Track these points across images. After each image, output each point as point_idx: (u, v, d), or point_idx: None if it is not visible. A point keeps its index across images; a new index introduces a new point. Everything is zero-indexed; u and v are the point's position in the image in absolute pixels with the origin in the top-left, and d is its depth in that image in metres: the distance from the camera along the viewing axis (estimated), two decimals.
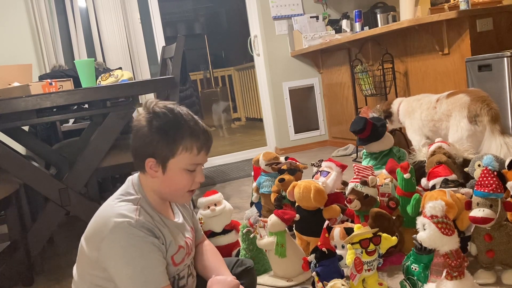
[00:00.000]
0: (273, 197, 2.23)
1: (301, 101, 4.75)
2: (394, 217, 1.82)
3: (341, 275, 1.54)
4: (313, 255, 1.57)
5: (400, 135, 3.41)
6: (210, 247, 1.43)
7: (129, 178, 1.25)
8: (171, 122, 1.15)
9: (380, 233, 1.55)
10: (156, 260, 1.12)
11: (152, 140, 1.15)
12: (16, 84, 2.34)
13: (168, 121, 1.15)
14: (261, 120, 5.07)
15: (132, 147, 1.21)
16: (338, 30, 4.51)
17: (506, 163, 1.75)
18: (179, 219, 1.29)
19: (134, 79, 3.65)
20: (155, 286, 1.10)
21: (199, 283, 1.34)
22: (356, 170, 1.94)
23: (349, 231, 1.65)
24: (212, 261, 1.37)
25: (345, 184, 1.97)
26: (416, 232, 1.43)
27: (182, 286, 1.26)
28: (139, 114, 1.19)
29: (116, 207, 1.15)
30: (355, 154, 3.85)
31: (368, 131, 2.37)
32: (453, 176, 1.88)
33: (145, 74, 4.13)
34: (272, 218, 1.76)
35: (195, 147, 1.17)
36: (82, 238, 1.19)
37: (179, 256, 1.21)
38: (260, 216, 2.23)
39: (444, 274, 1.36)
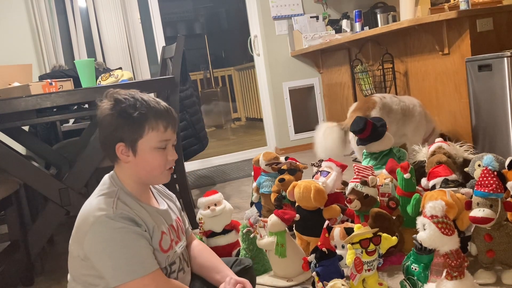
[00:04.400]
0: (273, 197, 2.23)
1: (301, 101, 4.75)
2: (394, 217, 1.82)
3: (341, 275, 1.53)
4: (313, 255, 1.57)
5: None
6: (201, 246, 1.44)
7: (106, 175, 1.26)
8: (134, 104, 1.18)
9: (380, 233, 1.55)
10: (140, 248, 1.13)
11: (118, 125, 1.17)
12: (16, 84, 2.34)
13: (130, 104, 1.17)
14: (261, 120, 5.06)
15: (100, 138, 1.23)
16: (338, 30, 4.51)
17: (506, 163, 1.75)
18: (163, 206, 1.30)
19: (134, 79, 3.65)
20: (142, 273, 1.11)
21: (199, 283, 1.34)
22: (356, 170, 1.94)
23: (349, 231, 1.65)
24: (207, 260, 1.38)
25: (345, 184, 1.97)
26: (416, 232, 1.43)
27: None
28: (101, 104, 1.20)
29: (94, 203, 1.17)
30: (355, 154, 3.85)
31: (368, 131, 2.37)
32: (453, 176, 1.88)
33: (145, 74, 4.13)
34: (272, 218, 1.76)
35: (161, 125, 1.19)
36: (70, 241, 1.20)
37: (165, 242, 1.22)
38: (260, 216, 2.23)
39: (444, 274, 1.36)
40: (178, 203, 1.43)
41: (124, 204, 1.17)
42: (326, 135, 2.78)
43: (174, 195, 1.45)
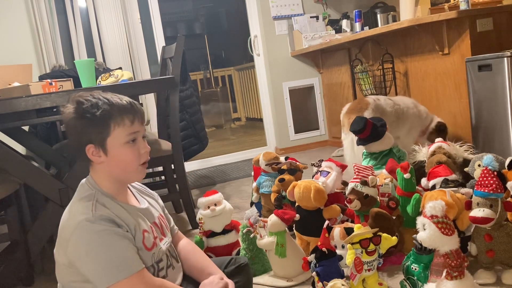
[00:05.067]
0: (273, 197, 2.23)
1: (301, 101, 4.75)
2: (394, 217, 1.82)
3: (341, 275, 1.53)
4: (313, 255, 1.57)
5: None
6: (190, 246, 1.42)
7: (81, 181, 1.25)
8: (95, 103, 1.17)
9: (380, 233, 1.55)
10: (123, 248, 1.12)
11: (83, 126, 1.17)
12: (16, 84, 2.34)
13: (92, 104, 1.17)
14: (261, 120, 5.07)
15: (69, 143, 1.24)
16: (338, 30, 4.51)
17: (506, 163, 1.75)
18: (143, 205, 1.29)
19: (134, 79, 3.65)
20: (128, 273, 1.10)
21: (191, 285, 1.34)
22: (356, 170, 1.94)
23: (349, 231, 1.65)
24: (197, 261, 1.37)
25: (345, 184, 1.97)
26: (416, 232, 1.43)
27: (162, 277, 1.24)
28: (65, 109, 1.20)
29: (73, 209, 1.17)
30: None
31: (368, 131, 2.36)
32: (453, 176, 1.88)
33: (145, 74, 4.13)
34: (272, 218, 1.76)
35: (126, 119, 1.19)
36: (54, 250, 1.19)
37: (148, 240, 1.21)
38: (260, 216, 2.23)
39: (444, 274, 1.36)
40: (160, 201, 1.42)
41: (103, 206, 1.16)
42: (354, 147, 2.72)
43: (156, 194, 1.43)
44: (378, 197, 1.91)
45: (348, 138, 2.77)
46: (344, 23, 4.43)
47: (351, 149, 2.72)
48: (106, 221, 1.12)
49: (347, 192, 1.89)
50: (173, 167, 2.85)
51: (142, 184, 1.42)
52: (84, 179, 1.24)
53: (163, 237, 1.30)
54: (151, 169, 3.28)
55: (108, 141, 1.18)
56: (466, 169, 1.94)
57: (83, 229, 1.10)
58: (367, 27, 3.98)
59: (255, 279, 1.76)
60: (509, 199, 1.62)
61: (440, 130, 2.87)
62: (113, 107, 1.18)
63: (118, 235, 1.12)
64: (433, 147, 2.18)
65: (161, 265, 1.25)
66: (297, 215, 1.79)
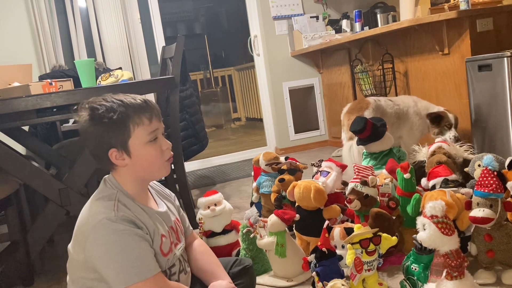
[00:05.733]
0: (273, 197, 2.23)
1: (301, 101, 4.75)
2: (394, 217, 1.82)
3: (341, 275, 1.53)
4: (313, 255, 1.57)
5: None
6: (203, 247, 1.42)
7: (104, 177, 1.24)
8: (110, 107, 1.15)
9: (380, 233, 1.55)
10: (142, 250, 1.11)
11: (103, 132, 1.15)
12: (16, 84, 2.34)
13: (107, 108, 1.15)
14: (261, 120, 5.07)
15: (90, 151, 1.21)
16: (338, 30, 4.51)
17: (506, 163, 1.75)
18: (162, 208, 1.29)
19: (134, 79, 3.65)
20: (145, 276, 1.10)
21: (199, 285, 1.34)
22: (356, 170, 1.94)
23: (349, 231, 1.65)
24: (207, 263, 1.36)
25: (345, 184, 1.97)
26: (416, 232, 1.43)
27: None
28: (80, 118, 1.18)
29: (94, 206, 1.16)
30: None
31: (368, 131, 2.36)
32: (453, 176, 1.88)
33: (145, 74, 4.13)
34: (272, 218, 1.76)
35: (144, 118, 1.17)
36: (69, 245, 1.19)
37: (165, 245, 1.21)
38: (260, 216, 2.23)
39: (444, 274, 1.36)
40: (177, 202, 1.42)
41: (125, 206, 1.16)
42: (353, 153, 2.73)
43: (173, 194, 1.43)
44: (378, 197, 1.90)
45: (347, 145, 2.77)
46: (344, 23, 4.43)
47: (349, 156, 2.72)
48: (127, 221, 1.12)
49: (347, 192, 1.89)
50: (173, 167, 2.85)
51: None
52: (105, 178, 1.23)
53: (178, 242, 1.29)
54: None
55: (130, 142, 1.17)
56: (466, 169, 1.94)
57: (104, 228, 1.09)
58: (367, 27, 3.98)
59: None
60: (509, 199, 1.62)
61: (433, 120, 2.79)
62: (128, 108, 1.16)
63: (138, 236, 1.11)
64: (433, 147, 2.18)
65: (174, 270, 1.25)
66: (297, 215, 1.79)
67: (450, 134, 2.70)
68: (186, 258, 1.35)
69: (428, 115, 2.81)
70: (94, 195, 1.21)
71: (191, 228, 1.45)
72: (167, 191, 1.42)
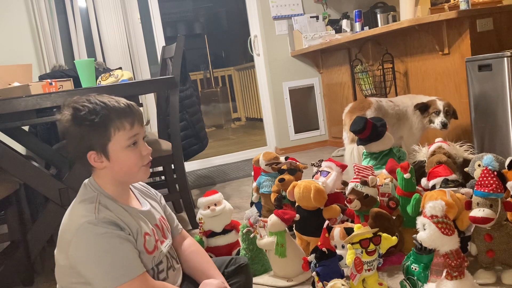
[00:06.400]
0: (273, 197, 2.23)
1: (301, 101, 4.75)
2: (394, 217, 1.82)
3: (341, 275, 1.54)
4: (313, 255, 1.57)
5: None
6: (194, 247, 1.41)
7: (84, 181, 1.24)
8: (93, 109, 1.15)
9: (380, 233, 1.55)
10: (125, 252, 1.11)
11: (83, 133, 1.15)
12: (16, 84, 2.34)
13: (90, 109, 1.14)
14: (261, 120, 5.07)
15: (69, 151, 1.20)
16: (338, 30, 4.51)
17: (506, 163, 1.75)
18: (145, 207, 1.28)
19: (134, 79, 3.64)
20: (130, 277, 1.10)
21: (191, 285, 1.33)
22: (356, 170, 1.94)
23: (349, 231, 1.65)
24: (199, 263, 1.36)
25: (345, 184, 1.97)
26: (416, 232, 1.43)
27: (162, 279, 1.24)
28: (61, 117, 1.17)
29: (75, 211, 1.15)
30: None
31: (368, 131, 2.36)
32: (453, 176, 1.88)
33: (145, 74, 4.13)
34: (272, 218, 1.76)
35: (126, 123, 1.17)
36: (55, 250, 1.19)
37: (149, 244, 1.20)
38: (260, 216, 2.24)
39: (444, 274, 1.36)
40: (163, 201, 1.41)
41: (106, 208, 1.15)
42: (354, 156, 2.73)
43: (159, 194, 1.42)
44: (378, 197, 1.91)
45: (349, 147, 2.76)
46: (344, 23, 4.43)
47: (350, 159, 2.71)
48: (109, 224, 1.11)
49: (347, 192, 1.89)
50: (173, 167, 2.85)
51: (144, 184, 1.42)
52: (87, 180, 1.23)
53: (164, 239, 1.29)
54: (151, 169, 3.27)
55: (110, 146, 1.16)
56: (466, 169, 1.94)
57: (85, 232, 1.09)
58: (367, 27, 3.98)
59: (255, 279, 1.76)
60: (509, 199, 1.62)
61: (422, 111, 2.82)
62: (111, 112, 1.15)
63: (120, 238, 1.11)
64: (433, 147, 2.18)
65: (161, 267, 1.25)
66: (297, 215, 1.79)
67: (437, 120, 2.74)
68: (175, 255, 1.34)
69: (415, 106, 2.83)
70: (75, 199, 1.20)
71: (180, 227, 1.43)
72: (153, 190, 1.41)
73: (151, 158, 1.24)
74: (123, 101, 1.20)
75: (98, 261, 1.09)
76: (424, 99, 2.89)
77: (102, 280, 1.09)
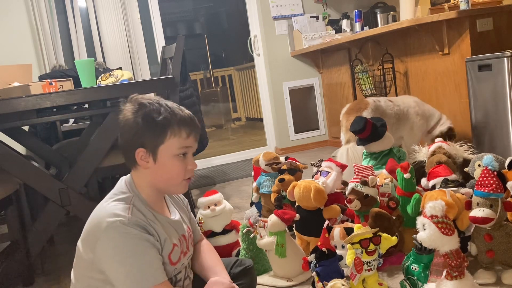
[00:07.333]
0: (273, 197, 2.23)
1: (301, 101, 4.75)
2: (394, 217, 1.82)
3: (341, 275, 1.53)
4: (313, 255, 1.57)
5: None
6: (207, 246, 1.42)
7: (122, 177, 1.24)
8: (157, 109, 1.17)
9: (380, 233, 1.55)
10: (151, 257, 1.11)
11: (140, 129, 1.16)
12: (16, 84, 2.34)
13: (154, 109, 1.17)
14: (261, 120, 5.07)
15: (120, 142, 1.21)
16: (338, 30, 4.51)
17: (506, 163, 1.75)
18: (175, 216, 1.29)
19: (134, 79, 3.64)
20: (152, 283, 1.10)
21: (198, 283, 1.34)
22: (356, 170, 1.94)
23: (349, 231, 1.65)
24: (209, 260, 1.37)
25: (345, 184, 1.97)
26: (416, 232, 1.43)
27: None
28: (125, 108, 1.19)
29: (109, 207, 1.15)
30: None
31: (368, 131, 2.36)
32: (453, 176, 1.88)
33: (145, 74, 4.13)
34: (272, 218, 1.76)
35: (183, 131, 1.18)
36: (79, 241, 1.19)
37: (175, 254, 1.21)
38: (260, 216, 2.23)
39: (444, 274, 1.36)
40: (188, 207, 1.42)
41: (139, 211, 1.16)
42: (349, 157, 2.72)
43: (185, 200, 1.42)
44: (378, 197, 1.91)
45: (343, 148, 2.75)
46: (344, 23, 4.43)
47: (340, 160, 2.70)
48: (139, 226, 1.12)
49: (347, 192, 1.89)
50: None
51: None
52: (125, 178, 1.23)
53: (187, 251, 1.30)
54: None
55: (160, 149, 1.17)
56: (466, 169, 1.94)
57: (116, 230, 1.09)
58: (367, 27, 3.98)
59: None
60: (509, 199, 1.62)
61: (449, 136, 2.84)
62: (174, 116, 1.17)
63: (148, 242, 1.12)
64: (433, 147, 2.18)
65: (179, 276, 1.26)
66: (297, 215, 1.79)
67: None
68: (190, 264, 1.35)
69: (448, 131, 2.84)
70: (110, 195, 1.20)
71: (199, 232, 1.45)
72: (181, 196, 1.42)
73: (193, 174, 1.25)
74: (186, 111, 1.22)
75: (123, 261, 1.09)
76: (431, 110, 2.91)
77: (124, 281, 1.09)
